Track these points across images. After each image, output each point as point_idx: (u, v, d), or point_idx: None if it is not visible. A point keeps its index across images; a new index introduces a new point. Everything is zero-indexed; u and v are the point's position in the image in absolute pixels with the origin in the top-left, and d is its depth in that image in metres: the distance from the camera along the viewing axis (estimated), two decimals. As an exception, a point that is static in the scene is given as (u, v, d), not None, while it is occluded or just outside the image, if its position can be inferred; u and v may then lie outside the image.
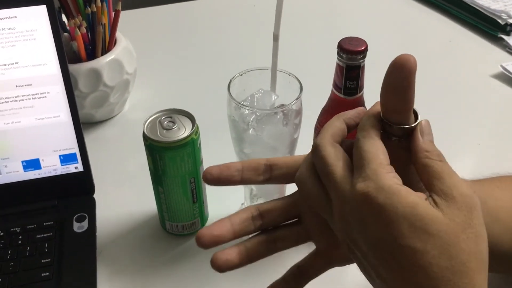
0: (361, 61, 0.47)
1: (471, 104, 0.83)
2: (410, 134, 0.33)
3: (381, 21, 1.06)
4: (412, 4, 1.10)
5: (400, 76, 0.31)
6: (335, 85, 0.50)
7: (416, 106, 0.34)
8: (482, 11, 0.99)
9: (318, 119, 0.54)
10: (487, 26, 0.98)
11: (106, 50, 0.72)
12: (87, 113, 0.74)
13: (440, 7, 1.07)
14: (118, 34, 0.75)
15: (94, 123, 0.77)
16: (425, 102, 0.84)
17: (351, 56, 0.46)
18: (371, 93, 0.44)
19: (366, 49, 0.47)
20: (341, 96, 0.49)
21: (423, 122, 0.34)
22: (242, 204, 0.62)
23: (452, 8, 1.05)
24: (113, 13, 0.72)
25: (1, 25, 0.54)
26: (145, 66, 0.82)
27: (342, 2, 1.12)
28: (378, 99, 0.34)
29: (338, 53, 0.48)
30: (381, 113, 0.34)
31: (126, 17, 0.76)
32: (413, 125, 0.33)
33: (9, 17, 0.54)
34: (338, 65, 0.48)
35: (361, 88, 0.50)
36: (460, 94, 0.85)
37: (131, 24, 0.83)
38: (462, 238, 0.29)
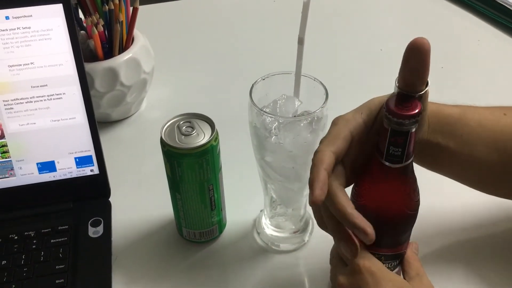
0: (412, 126, 0.38)
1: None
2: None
3: (407, 20, 1.02)
4: (438, 1, 1.06)
5: (417, 58, 0.38)
6: (377, 147, 0.41)
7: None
8: (512, 9, 0.95)
9: (357, 184, 0.45)
10: (517, 25, 0.94)
11: (123, 48, 0.70)
12: (103, 113, 0.72)
13: (467, 5, 1.03)
14: (136, 32, 0.73)
15: (110, 123, 0.75)
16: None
17: (397, 120, 0.37)
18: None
19: (419, 113, 0.38)
20: (383, 161, 0.40)
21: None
22: (261, 211, 0.60)
23: (480, 6, 1.01)
24: (131, 9, 0.70)
25: (16, 24, 0.53)
26: (163, 64, 0.80)
27: (368, 2, 1.09)
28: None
29: (384, 113, 0.39)
30: (398, 86, 0.40)
31: (144, 12, 0.74)
32: (424, 91, 0.40)
33: (24, 16, 0.53)
34: (382, 125, 0.39)
35: (409, 156, 0.40)
36: (488, 97, 0.82)
37: (149, 20, 0.81)
38: None
